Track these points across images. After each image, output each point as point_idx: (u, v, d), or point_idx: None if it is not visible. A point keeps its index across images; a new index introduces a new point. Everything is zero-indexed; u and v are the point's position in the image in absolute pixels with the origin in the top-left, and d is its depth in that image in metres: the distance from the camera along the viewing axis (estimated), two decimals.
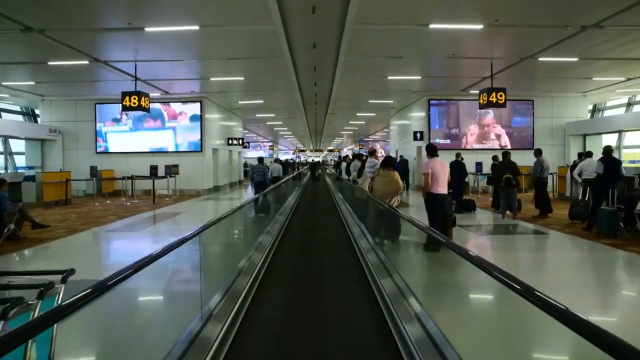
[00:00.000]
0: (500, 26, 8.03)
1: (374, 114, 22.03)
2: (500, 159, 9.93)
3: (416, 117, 17.40)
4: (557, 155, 15.93)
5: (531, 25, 8.04)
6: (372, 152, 7.89)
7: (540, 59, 10.30)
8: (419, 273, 4.70)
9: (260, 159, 13.58)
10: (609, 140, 16.23)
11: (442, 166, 5.94)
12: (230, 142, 19.95)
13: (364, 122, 26.57)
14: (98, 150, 16.15)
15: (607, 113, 18.05)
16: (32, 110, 17.44)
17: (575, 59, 10.41)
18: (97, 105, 16.02)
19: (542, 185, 9.48)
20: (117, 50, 9.85)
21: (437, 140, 16.19)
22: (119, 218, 9.69)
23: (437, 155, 6.07)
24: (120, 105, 10.84)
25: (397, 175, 6.42)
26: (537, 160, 9.62)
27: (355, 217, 7.92)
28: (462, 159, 11.20)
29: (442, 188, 5.88)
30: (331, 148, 54.95)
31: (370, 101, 17.35)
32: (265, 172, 12.98)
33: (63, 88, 14.46)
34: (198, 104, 15.90)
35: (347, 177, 12.56)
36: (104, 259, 6.86)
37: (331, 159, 56.20)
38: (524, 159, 12.89)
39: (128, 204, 12.74)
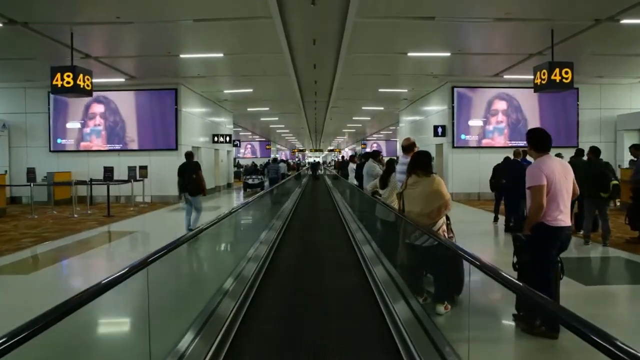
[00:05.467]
0: None
1: (382, 108, 19.29)
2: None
3: (437, 109, 14.61)
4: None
5: None
6: (410, 146, 4.49)
7: (624, 21, 7.51)
8: None
9: (275, 159, 17.43)
10: None
11: (564, 171, 3.06)
12: (216, 139, 17.15)
13: (369, 118, 23.79)
14: (53, 148, 13.40)
15: None
16: None
17: None
18: (50, 93, 13.22)
19: None
20: (36, 4, 7.01)
21: (462, 137, 13.45)
22: (37, 242, 6.87)
23: (550, 151, 3.16)
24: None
25: (437, 180, 3.63)
26: None
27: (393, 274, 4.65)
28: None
29: (565, 214, 3.03)
30: (332, 148, 52.35)
31: (380, 90, 14.57)
32: (278, 170, 15.93)
33: (4, 72, 11.69)
34: (173, 92, 13.12)
35: (356, 184, 9.73)
36: None
37: (331, 160, 53.50)
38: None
39: (75, 216, 9.91)
